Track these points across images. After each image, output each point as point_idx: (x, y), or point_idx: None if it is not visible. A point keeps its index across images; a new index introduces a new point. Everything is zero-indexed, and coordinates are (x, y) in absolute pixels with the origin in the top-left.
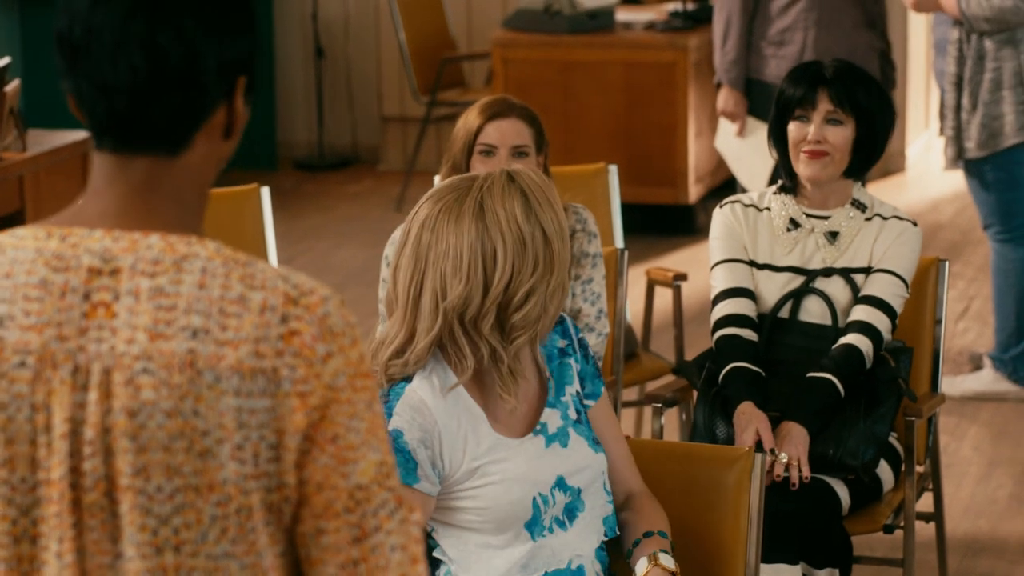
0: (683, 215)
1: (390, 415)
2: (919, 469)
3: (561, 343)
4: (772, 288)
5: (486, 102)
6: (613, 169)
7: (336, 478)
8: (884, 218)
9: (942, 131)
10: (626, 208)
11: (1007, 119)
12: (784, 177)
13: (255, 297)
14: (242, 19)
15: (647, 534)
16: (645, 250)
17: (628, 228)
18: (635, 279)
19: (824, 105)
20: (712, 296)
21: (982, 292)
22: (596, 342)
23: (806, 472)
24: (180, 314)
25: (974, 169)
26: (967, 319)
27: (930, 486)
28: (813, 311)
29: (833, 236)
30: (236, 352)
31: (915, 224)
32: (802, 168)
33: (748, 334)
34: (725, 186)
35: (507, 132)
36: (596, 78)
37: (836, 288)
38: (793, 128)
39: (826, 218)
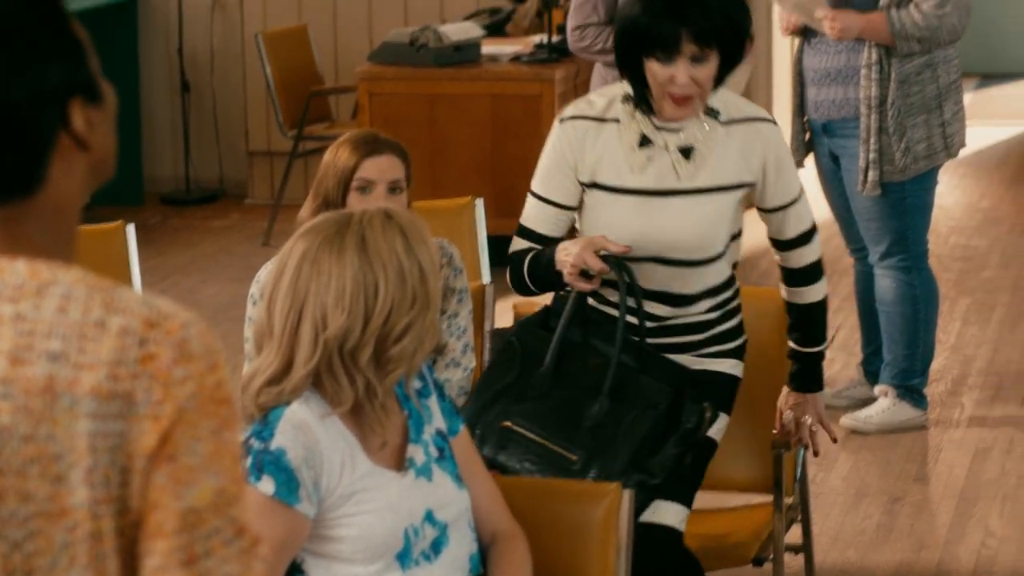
0: None
1: (271, 436)
2: (787, 500)
3: (417, 384)
4: (619, 214)
5: (358, 138)
6: (479, 203)
7: (168, 498)
8: (739, 122)
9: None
10: (494, 241)
11: (927, 143)
12: (635, 96)
13: (115, 321)
14: (50, 45)
15: None
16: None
17: (496, 261)
18: (503, 312)
19: (688, 48)
20: (520, 220)
21: (848, 322)
22: (462, 377)
23: (832, 432)
24: (40, 339)
25: (893, 193)
26: (833, 349)
27: (799, 517)
28: (658, 278)
29: (688, 152)
30: (93, 375)
31: (774, 122)
32: (669, 110)
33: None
34: None
35: (384, 168)
36: (462, 111)
37: (692, 218)
38: (655, 68)
39: (679, 131)
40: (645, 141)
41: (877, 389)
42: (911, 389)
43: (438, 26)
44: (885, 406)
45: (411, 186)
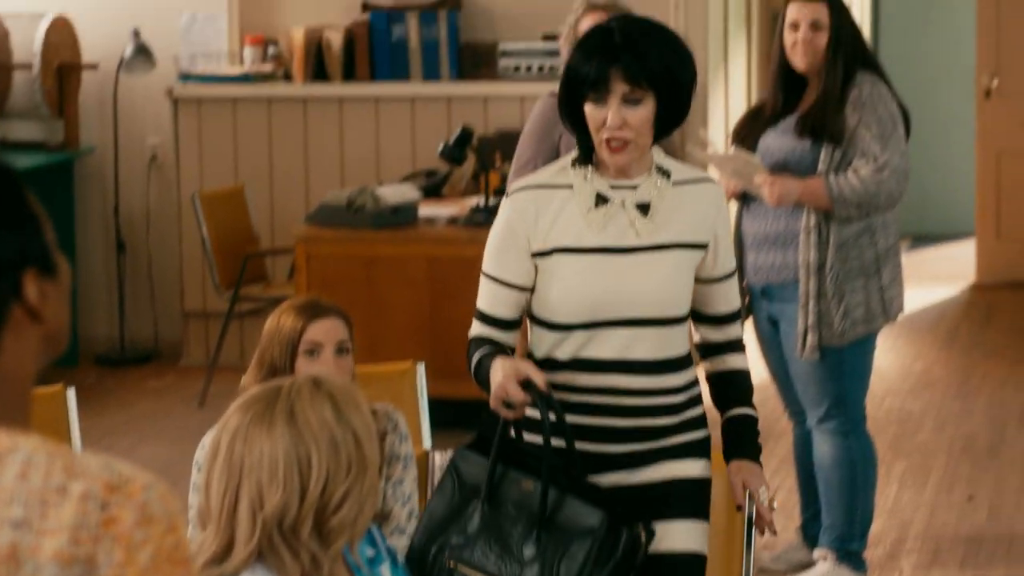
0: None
1: None
2: None
3: (369, 552)
4: (580, 275)
5: (300, 303)
6: (421, 368)
7: None
8: (688, 183)
9: (801, 320)
10: (433, 404)
11: (865, 307)
12: (580, 152)
13: (76, 486)
14: (5, 217)
15: None
16: (454, 445)
17: (436, 423)
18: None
19: (619, 87)
20: (476, 303)
21: (786, 485)
22: (407, 544)
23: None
24: (2, 506)
25: (831, 358)
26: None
27: None
28: (621, 343)
29: (645, 209)
30: (55, 540)
31: (715, 181)
32: (607, 157)
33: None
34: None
35: (330, 329)
36: (400, 273)
37: (654, 274)
38: (591, 111)
39: (634, 187)
40: (601, 200)
41: (816, 553)
42: (850, 553)
43: (375, 188)
44: (824, 571)
45: (355, 350)
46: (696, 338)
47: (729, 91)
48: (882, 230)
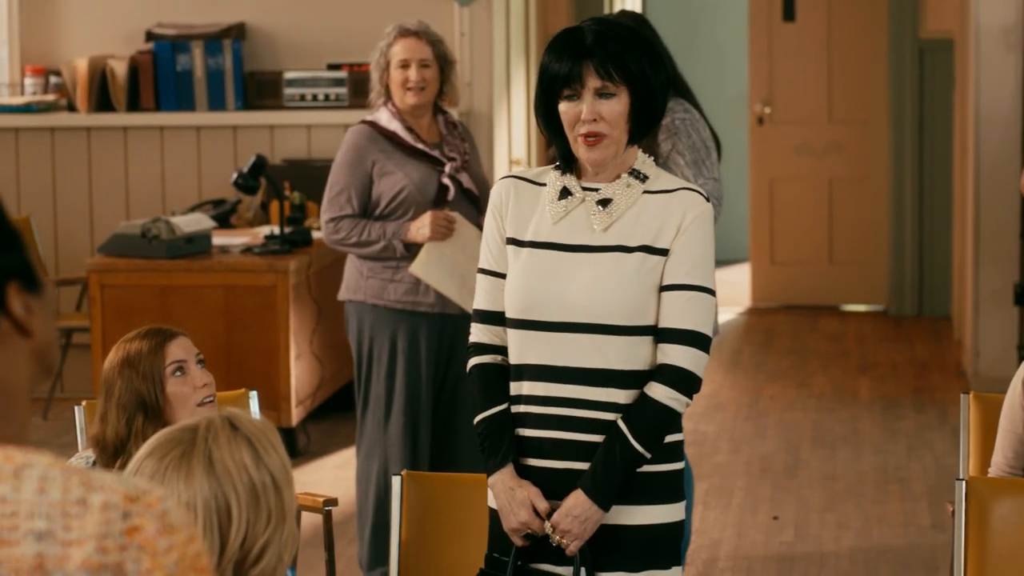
0: (285, 438)
1: None
2: None
3: None
4: (535, 270)
5: (142, 335)
6: (254, 395)
7: None
8: (670, 191)
9: None
10: None
11: None
12: (560, 159)
13: (95, 497)
14: None
15: None
16: None
17: None
18: None
19: (592, 81)
20: (473, 305)
21: None
22: None
23: (572, 548)
24: (23, 519)
25: None
26: None
27: None
28: (575, 349)
29: (606, 203)
30: (82, 550)
31: (707, 199)
32: (583, 153)
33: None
34: (326, 407)
35: (186, 345)
36: (195, 302)
37: (606, 275)
38: (565, 109)
39: (600, 188)
40: (565, 193)
41: None
42: None
43: (169, 217)
44: None
45: None
46: None
47: (512, 117)
48: None
